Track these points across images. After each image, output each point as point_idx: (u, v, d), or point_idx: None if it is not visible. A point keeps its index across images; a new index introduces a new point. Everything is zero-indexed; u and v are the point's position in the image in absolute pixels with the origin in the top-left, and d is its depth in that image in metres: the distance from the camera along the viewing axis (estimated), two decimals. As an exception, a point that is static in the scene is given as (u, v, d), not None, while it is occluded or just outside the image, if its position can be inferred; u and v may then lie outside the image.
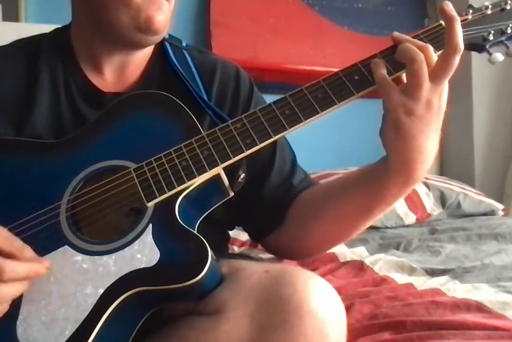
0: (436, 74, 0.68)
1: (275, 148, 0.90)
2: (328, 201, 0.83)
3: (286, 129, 0.70)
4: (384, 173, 0.74)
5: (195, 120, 0.74)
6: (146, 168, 0.70)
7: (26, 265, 0.62)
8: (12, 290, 0.61)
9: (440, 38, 0.72)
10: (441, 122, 0.72)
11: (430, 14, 2.57)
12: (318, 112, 0.70)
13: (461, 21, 0.73)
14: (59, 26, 0.92)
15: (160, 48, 0.91)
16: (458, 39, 0.67)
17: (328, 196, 0.84)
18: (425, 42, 0.71)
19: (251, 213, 0.91)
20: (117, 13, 0.79)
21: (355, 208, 0.80)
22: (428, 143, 0.71)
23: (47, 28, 0.93)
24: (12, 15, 1.94)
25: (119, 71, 0.88)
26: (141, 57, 0.89)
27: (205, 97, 0.87)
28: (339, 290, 0.73)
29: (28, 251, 0.64)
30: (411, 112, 0.68)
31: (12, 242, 0.63)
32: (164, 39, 0.91)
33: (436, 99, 0.69)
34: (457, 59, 0.68)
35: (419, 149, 0.71)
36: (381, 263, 1.45)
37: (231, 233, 0.99)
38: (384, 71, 0.70)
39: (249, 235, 0.98)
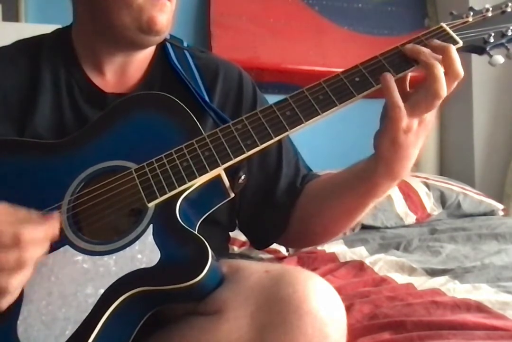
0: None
1: (281, 153, 0.91)
2: (324, 201, 0.87)
3: (287, 130, 0.70)
4: (374, 174, 0.77)
5: (196, 121, 0.74)
6: (147, 169, 0.70)
7: (41, 226, 0.63)
8: (35, 253, 0.61)
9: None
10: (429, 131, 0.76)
11: (430, 14, 2.56)
12: (319, 114, 0.71)
13: (462, 23, 0.75)
14: (60, 26, 0.93)
15: (161, 48, 0.91)
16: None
17: (324, 196, 0.87)
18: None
19: (258, 223, 0.92)
20: (119, 14, 0.79)
21: (349, 205, 0.84)
22: (415, 150, 0.75)
23: (47, 28, 0.93)
24: (12, 15, 1.94)
25: (120, 71, 0.88)
26: (143, 57, 0.89)
27: (207, 98, 0.87)
28: (339, 290, 0.72)
29: (35, 215, 0.64)
30: (409, 130, 0.71)
31: (16, 214, 0.63)
32: (165, 40, 0.91)
33: (429, 115, 0.72)
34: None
35: (407, 157, 0.75)
36: (381, 263, 1.45)
37: (231, 233, 0.99)
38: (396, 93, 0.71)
39: (252, 243, 0.98)
